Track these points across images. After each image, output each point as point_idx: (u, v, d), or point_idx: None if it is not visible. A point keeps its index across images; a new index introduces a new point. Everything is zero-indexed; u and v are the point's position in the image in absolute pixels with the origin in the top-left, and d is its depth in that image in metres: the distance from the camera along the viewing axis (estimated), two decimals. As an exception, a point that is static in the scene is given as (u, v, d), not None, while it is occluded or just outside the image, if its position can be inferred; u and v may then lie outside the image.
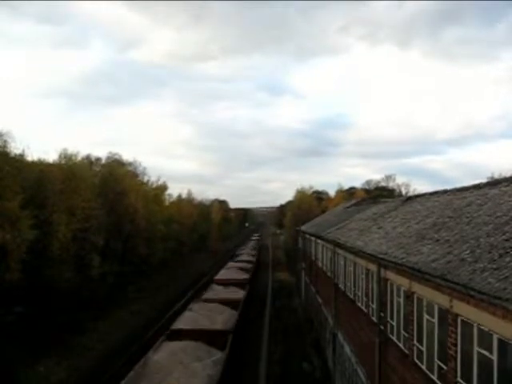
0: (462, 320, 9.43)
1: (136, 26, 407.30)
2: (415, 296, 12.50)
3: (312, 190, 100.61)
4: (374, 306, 17.25)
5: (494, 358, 8.05)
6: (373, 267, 16.99)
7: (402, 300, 13.92)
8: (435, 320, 11.04)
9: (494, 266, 8.72)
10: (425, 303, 11.76)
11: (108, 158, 55.25)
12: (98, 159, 54.54)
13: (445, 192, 19.27)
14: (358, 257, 19.97)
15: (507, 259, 8.71)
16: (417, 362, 12.41)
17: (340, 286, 25.74)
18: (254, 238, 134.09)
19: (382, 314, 16.23)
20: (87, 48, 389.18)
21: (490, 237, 10.53)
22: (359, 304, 20.31)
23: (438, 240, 13.03)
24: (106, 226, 43.22)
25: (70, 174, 38.76)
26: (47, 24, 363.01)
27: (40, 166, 38.28)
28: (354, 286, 21.54)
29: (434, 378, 11.09)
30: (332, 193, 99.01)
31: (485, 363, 8.41)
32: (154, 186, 71.02)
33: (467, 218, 13.30)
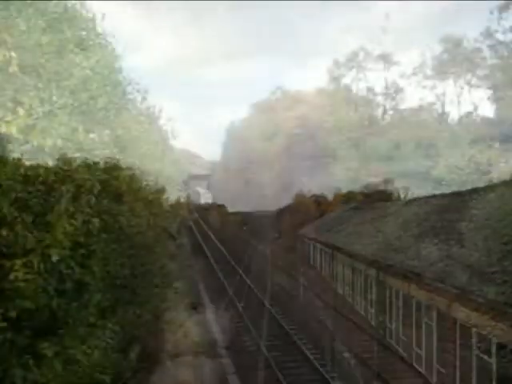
0: (460, 323, 9.44)
1: (135, 31, 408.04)
2: (414, 299, 12.51)
3: (311, 194, 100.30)
4: (373, 311, 17.24)
5: (493, 361, 8.07)
6: (371, 271, 16.99)
7: (400, 303, 13.92)
8: (433, 323, 11.04)
9: (493, 270, 8.75)
10: (423, 306, 11.77)
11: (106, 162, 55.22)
12: (96, 163, 54.53)
13: (443, 196, 19.29)
14: (356, 260, 19.96)
15: (505, 263, 8.73)
16: (415, 365, 12.41)
17: (339, 290, 25.69)
18: None
19: (380, 318, 16.22)
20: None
21: (489, 241, 10.55)
22: (358, 308, 20.28)
23: (436, 244, 13.05)
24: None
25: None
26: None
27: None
28: (353, 290, 21.51)
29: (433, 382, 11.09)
30: (331, 196, 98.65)
31: (483, 366, 8.42)
32: (153, 190, 70.82)
33: (465, 221, 13.32)
